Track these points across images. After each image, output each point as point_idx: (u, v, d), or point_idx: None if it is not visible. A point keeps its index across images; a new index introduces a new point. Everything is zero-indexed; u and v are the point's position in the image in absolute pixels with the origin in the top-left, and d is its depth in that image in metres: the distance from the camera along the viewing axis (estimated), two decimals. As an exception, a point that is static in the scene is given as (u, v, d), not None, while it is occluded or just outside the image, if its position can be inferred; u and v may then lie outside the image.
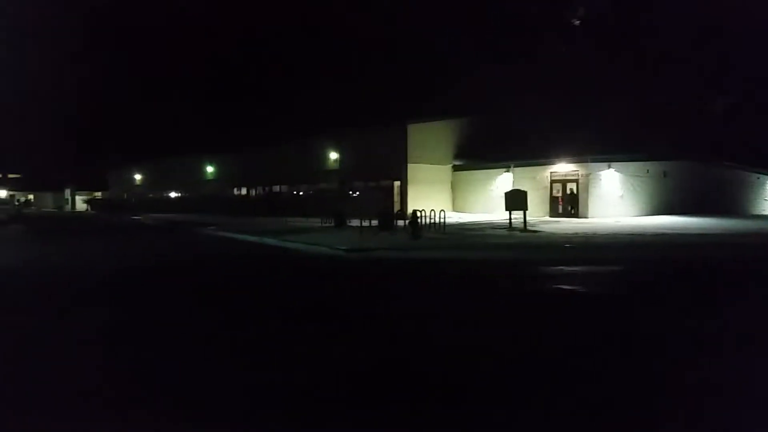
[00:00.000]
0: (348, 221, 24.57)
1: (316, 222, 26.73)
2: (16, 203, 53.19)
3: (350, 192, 37.36)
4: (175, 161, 57.56)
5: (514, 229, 21.65)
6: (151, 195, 61.30)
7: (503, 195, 24.10)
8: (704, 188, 32.66)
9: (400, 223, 22.38)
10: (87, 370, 5.38)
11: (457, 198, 35.63)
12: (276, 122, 54.33)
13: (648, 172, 30.47)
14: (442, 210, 22.59)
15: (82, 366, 5.51)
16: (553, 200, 30.56)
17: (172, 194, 58.23)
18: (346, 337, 6.59)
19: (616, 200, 29.20)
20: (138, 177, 66.44)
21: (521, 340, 6.36)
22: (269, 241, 19.93)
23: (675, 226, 22.57)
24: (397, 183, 34.75)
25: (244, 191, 49.23)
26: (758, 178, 39.76)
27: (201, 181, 53.51)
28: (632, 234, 19.49)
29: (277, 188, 45.04)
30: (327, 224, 25.39)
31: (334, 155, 39.01)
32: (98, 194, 76.45)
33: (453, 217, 27.38)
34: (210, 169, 53.23)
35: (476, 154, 34.92)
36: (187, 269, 13.52)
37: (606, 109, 33.59)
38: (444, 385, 4.87)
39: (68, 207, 74.21)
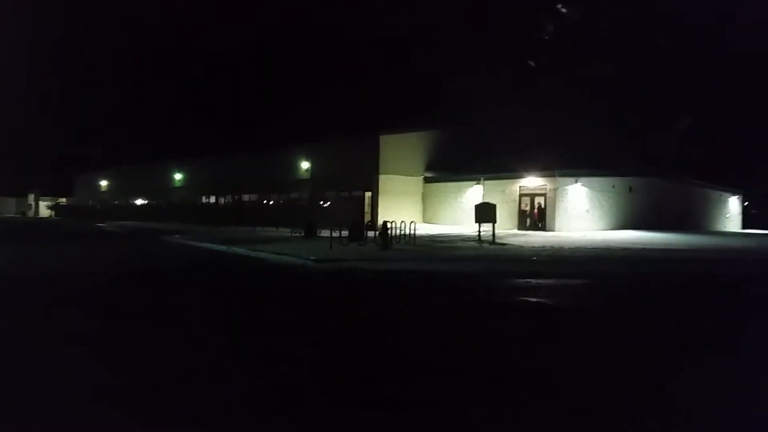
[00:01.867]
0: (318, 231, 24.45)
1: (285, 232, 26.54)
2: (-24, 208, 51.71)
3: (321, 202, 37.24)
4: (143, 168, 56.70)
5: (483, 241, 21.82)
6: (117, 202, 60.18)
7: (473, 207, 24.31)
8: (668, 204, 33.46)
9: (371, 234, 22.37)
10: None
11: (427, 209, 35.80)
12: (246, 131, 54.03)
13: (614, 187, 31.12)
14: (413, 221, 22.66)
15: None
16: (522, 213, 30.94)
17: (139, 201, 57.27)
18: (303, 350, 6.52)
19: (582, 214, 29.71)
20: (104, 183, 65.18)
21: (486, 352, 6.38)
22: (237, 250, 19.71)
23: (639, 241, 23.04)
24: (368, 194, 34.77)
25: (212, 200, 48.66)
26: (720, 195, 40.99)
27: (168, 189, 52.74)
28: (597, 248, 19.83)
29: (246, 197, 44.63)
30: (297, 234, 25.23)
31: (305, 165, 38.87)
32: (63, 200, 74.80)
33: (423, 229, 27.47)
34: (178, 176, 52.51)
35: (447, 166, 35.20)
36: (146, 278, 13.25)
37: (575, 126, 34.24)
38: (395, 402, 4.84)
39: (32, 213, 72.27)
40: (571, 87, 37.20)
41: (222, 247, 20.86)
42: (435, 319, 8.37)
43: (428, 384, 5.21)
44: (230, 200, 46.05)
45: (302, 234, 24.92)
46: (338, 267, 14.97)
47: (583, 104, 36.07)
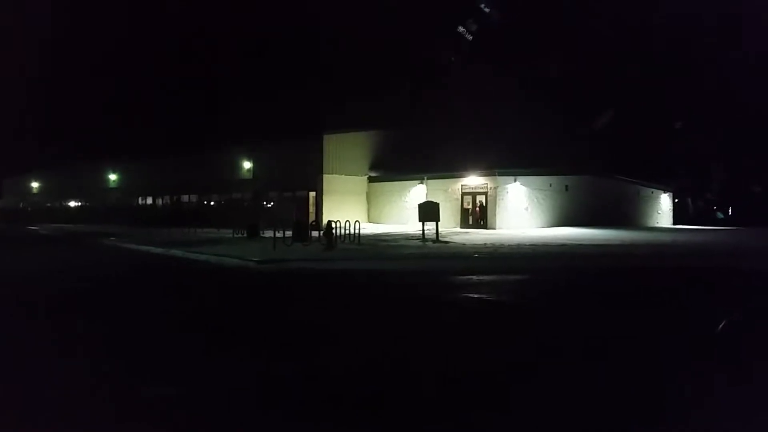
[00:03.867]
0: (261, 232, 24.14)
1: (227, 233, 26.04)
2: None
3: (264, 202, 36.76)
4: (76, 169, 54.53)
5: (427, 239, 22.07)
6: (49, 204, 57.65)
7: (417, 206, 24.55)
8: (603, 201, 34.73)
9: (315, 234, 22.26)
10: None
11: (372, 209, 35.88)
12: (185, 130, 52.61)
13: (551, 185, 32.06)
14: (357, 221, 22.68)
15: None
16: (464, 212, 31.46)
17: (73, 204, 55.09)
18: (239, 352, 6.45)
19: (521, 212, 30.48)
20: (36, 185, 62.32)
21: (426, 349, 6.48)
22: (176, 253, 19.20)
23: (575, 238, 23.82)
24: (312, 193, 34.55)
25: (150, 201, 47.27)
26: (652, 192, 42.85)
27: (103, 191, 50.92)
28: (536, 245, 20.39)
29: (185, 198, 43.55)
30: (239, 235, 24.81)
31: (247, 164, 38.20)
32: (-8, 203, 71.14)
33: (368, 228, 27.56)
34: (113, 177, 50.74)
35: (391, 165, 35.39)
36: (68, 281, 12.72)
37: (514, 125, 35.03)
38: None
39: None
40: (510, 87, 38.08)
41: (160, 250, 20.28)
42: (379, 317, 8.41)
43: (371, 383, 5.25)
44: (168, 201, 44.84)
45: (245, 235, 24.54)
46: (282, 268, 14.84)
47: (522, 104, 36.98)
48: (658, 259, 16.92)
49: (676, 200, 47.58)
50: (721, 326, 5.45)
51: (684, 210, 49.65)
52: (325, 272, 14.17)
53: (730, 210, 54.01)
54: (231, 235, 25.04)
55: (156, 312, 8.84)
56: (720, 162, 48.28)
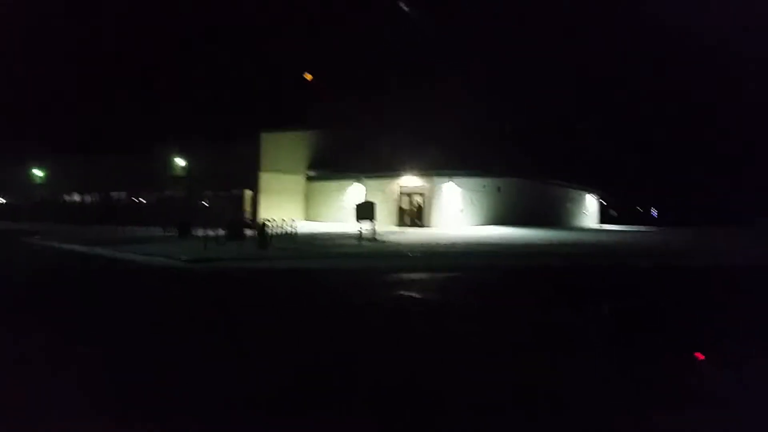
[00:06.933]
0: (194, 231, 23.61)
1: (158, 231, 25.35)
2: None
3: (200, 200, 35.95)
4: (-1, 164, 51.66)
5: (363, 238, 22.19)
6: (-33, 201, 54.32)
7: (354, 206, 24.63)
8: (533, 202, 35.88)
9: (251, 233, 21.99)
10: None
11: (310, 208, 35.75)
12: (117, 126, 50.70)
13: (484, 187, 32.89)
14: (293, 219, 22.56)
15: None
16: (401, 211, 31.84)
17: (-7, 200, 52.16)
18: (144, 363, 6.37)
19: (456, 212, 31.13)
20: (-49, 181, 58.60)
21: (349, 348, 6.59)
22: (101, 251, 18.53)
23: (506, 237, 24.53)
24: (249, 192, 34.06)
25: (77, 198, 45.34)
26: (579, 194, 44.64)
27: (30, 187, 48.47)
28: (469, 243, 20.89)
29: (115, 195, 42.04)
30: (170, 234, 24.19)
31: (181, 162, 37.29)
32: None
33: (306, 227, 27.43)
34: (39, 173, 48.38)
35: (330, 165, 35.34)
36: None
37: (450, 129, 35.65)
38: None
39: None
40: (447, 91, 38.73)
41: (84, 248, 19.54)
42: (303, 318, 8.44)
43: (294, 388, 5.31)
44: (97, 198, 43.17)
45: (176, 233, 23.94)
46: (211, 267, 14.58)
47: (458, 108, 37.66)
48: (579, 258, 17.66)
49: (602, 201, 49.72)
50: (604, 313, 5.85)
51: (608, 211, 51.95)
52: (255, 271, 14.06)
53: (653, 211, 56.89)
54: (162, 234, 24.39)
55: (60, 318, 8.37)
56: (645, 164, 50.76)
